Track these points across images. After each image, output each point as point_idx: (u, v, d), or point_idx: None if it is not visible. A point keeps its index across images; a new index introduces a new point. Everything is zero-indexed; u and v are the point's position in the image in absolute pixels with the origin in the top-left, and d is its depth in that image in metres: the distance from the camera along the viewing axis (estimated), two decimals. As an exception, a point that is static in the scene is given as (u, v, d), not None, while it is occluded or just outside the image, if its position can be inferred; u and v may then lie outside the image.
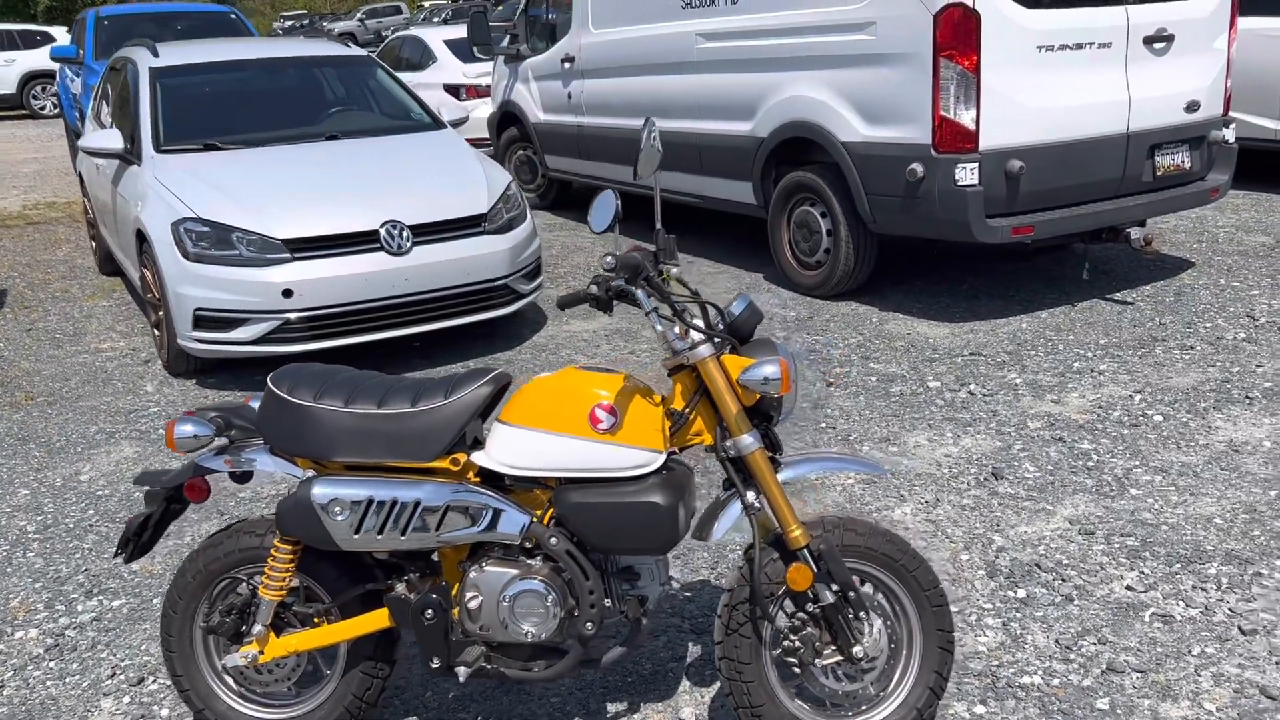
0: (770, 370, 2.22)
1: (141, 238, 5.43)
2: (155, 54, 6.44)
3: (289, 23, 36.32)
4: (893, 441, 4.23)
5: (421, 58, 12.07)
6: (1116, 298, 5.93)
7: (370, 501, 2.29)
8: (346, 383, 2.40)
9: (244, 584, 2.49)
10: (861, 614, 2.34)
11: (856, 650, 2.32)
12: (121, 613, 3.24)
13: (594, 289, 2.35)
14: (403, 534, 2.31)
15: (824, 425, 4.43)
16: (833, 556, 2.31)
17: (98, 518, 3.90)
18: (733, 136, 6.78)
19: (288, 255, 5.02)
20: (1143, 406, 4.41)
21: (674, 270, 2.32)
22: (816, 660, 2.34)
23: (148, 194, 5.45)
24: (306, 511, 2.30)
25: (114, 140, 5.86)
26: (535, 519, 2.34)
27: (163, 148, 5.78)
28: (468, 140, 11.06)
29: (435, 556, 2.49)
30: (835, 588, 2.31)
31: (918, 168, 5.45)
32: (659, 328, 2.31)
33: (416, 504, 2.30)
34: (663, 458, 2.32)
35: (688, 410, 2.36)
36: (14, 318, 6.79)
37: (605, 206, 2.43)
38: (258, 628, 2.42)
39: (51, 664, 2.99)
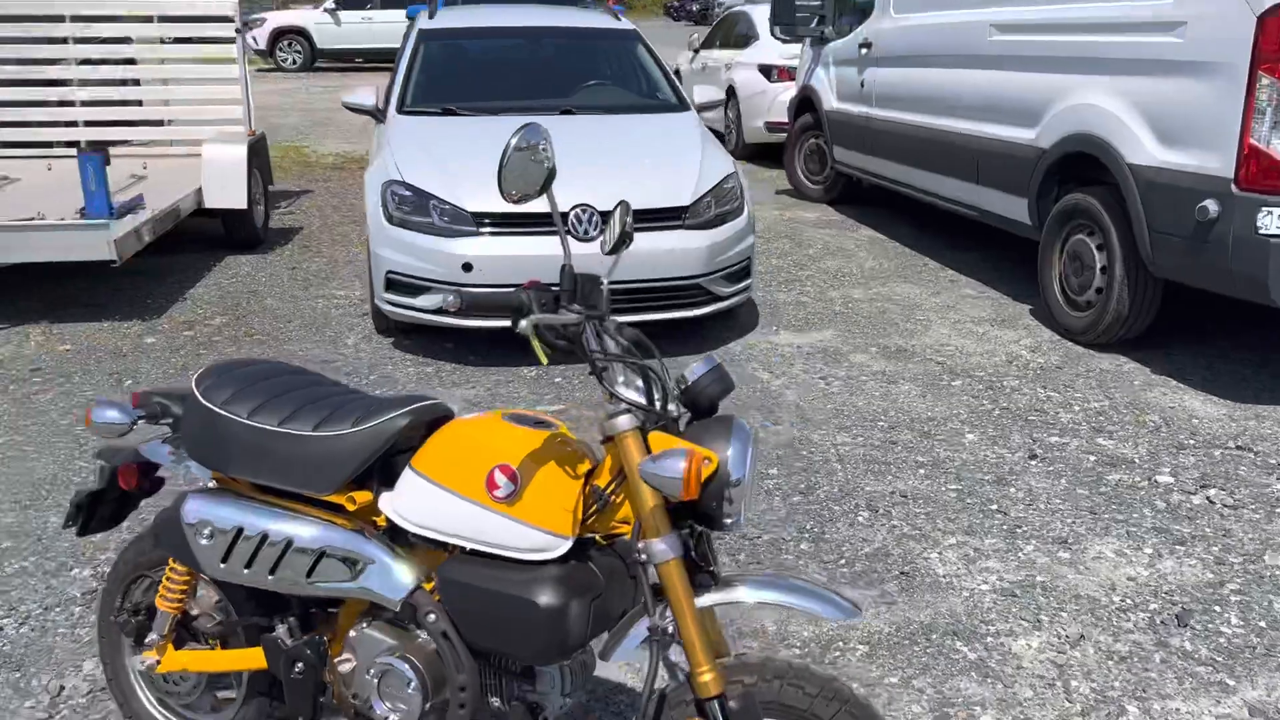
0: (673, 466, 1.68)
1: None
2: (431, 16, 6.60)
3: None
4: (1068, 545, 3.38)
5: (749, 34, 11.76)
6: None
7: (239, 531, 2.03)
8: (268, 389, 2.15)
9: (157, 585, 2.33)
10: (781, 802, 1.76)
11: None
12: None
13: (523, 325, 1.84)
14: (270, 573, 2.02)
15: (995, 508, 3.64)
16: (748, 716, 1.75)
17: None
18: (1013, 144, 5.87)
19: (474, 228, 4.92)
20: None
21: (572, 317, 1.81)
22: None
23: (377, 153, 5.57)
24: (175, 529, 2.08)
25: (368, 98, 6.06)
26: (429, 587, 1.97)
27: (405, 109, 5.89)
28: (771, 123, 10.72)
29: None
30: (747, 757, 1.75)
31: (1211, 205, 4.36)
32: (604, 387, 1.84)
33: (289, 542, 2.00)
34: (566, 544, 1.86)
35: (610, 491, 1.88)
36: (288, 255, 7.32)
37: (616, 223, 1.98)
38: (154, 636, 2.25)
39: (76, 610, 3.04)
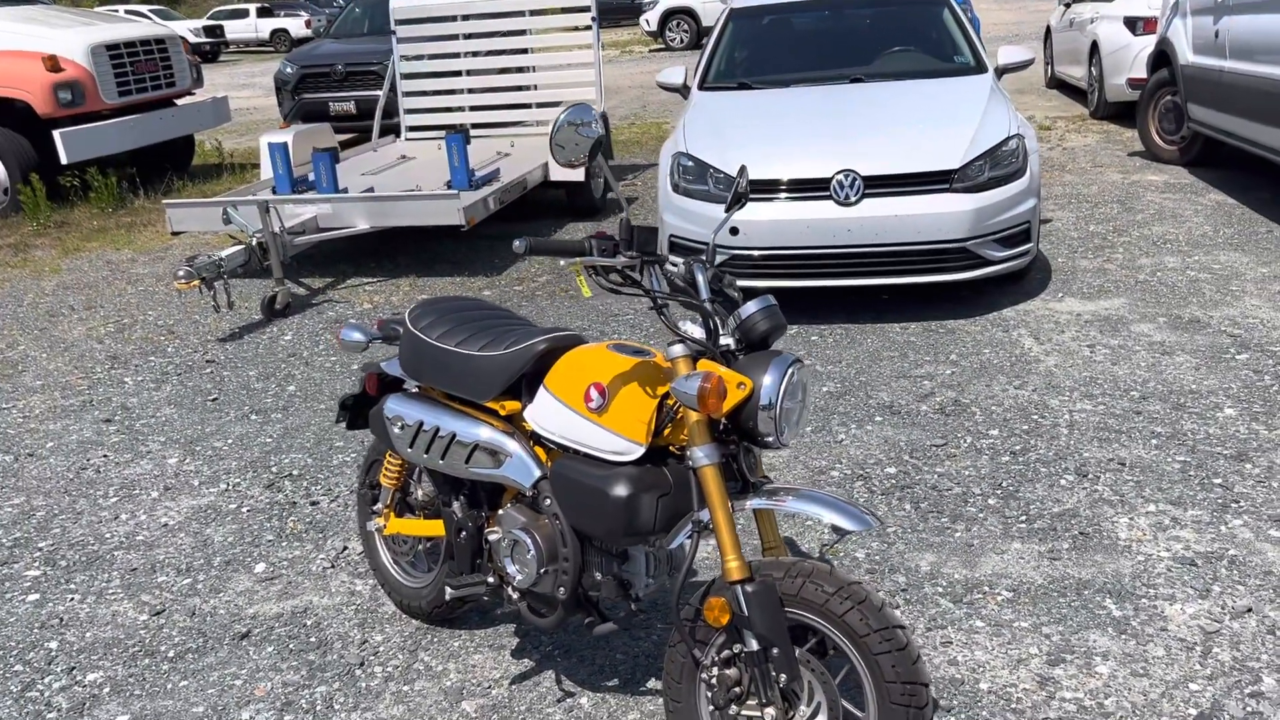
0: (691, 385, 2.02)
1: (667, 166, 6.14)
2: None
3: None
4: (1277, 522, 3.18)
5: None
6: None
7: (420, 424, 2.63)
8: (456, 319, 2.72)
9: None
10: (785, 676, 2.04)
11: (770, 713, 2.05)
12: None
13: (583, 268, 2.25)
14: (440, 458, 2.60)
15: (1218, 481, 3.46)
16: (763, 602, 2.05)
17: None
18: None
19: (745, 194, 5.29)
20: None
21: (622, 260, 2.17)
22: (735, 707, 2.12)
23: (677, 127, 6.12)
24: (380, 420, 2.72)
25: (676, 76, 6.62)
26: (546, 478, 2.45)
27: (706, 85, 6.38)
28: (1134, 80, 9.95)
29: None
30: (759, 637, 2.05)
31: None
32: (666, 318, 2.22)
33: (452, 435, 2.57)
34: (640, 450, 2.25)
35: (673, 408, 2.24)
36: (617, 220, 8.10)
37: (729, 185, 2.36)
38: (379, 506, 2.94)
39: (372, 495, 3.87)
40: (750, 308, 2.19)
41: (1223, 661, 2.60)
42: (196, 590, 3.32)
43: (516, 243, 2.16)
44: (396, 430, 2.69)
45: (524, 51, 8.90)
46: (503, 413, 2.56)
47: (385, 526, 2.95)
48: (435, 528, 2.80)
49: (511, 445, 2.49)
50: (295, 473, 4.11)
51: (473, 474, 2.57)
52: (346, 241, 7.60)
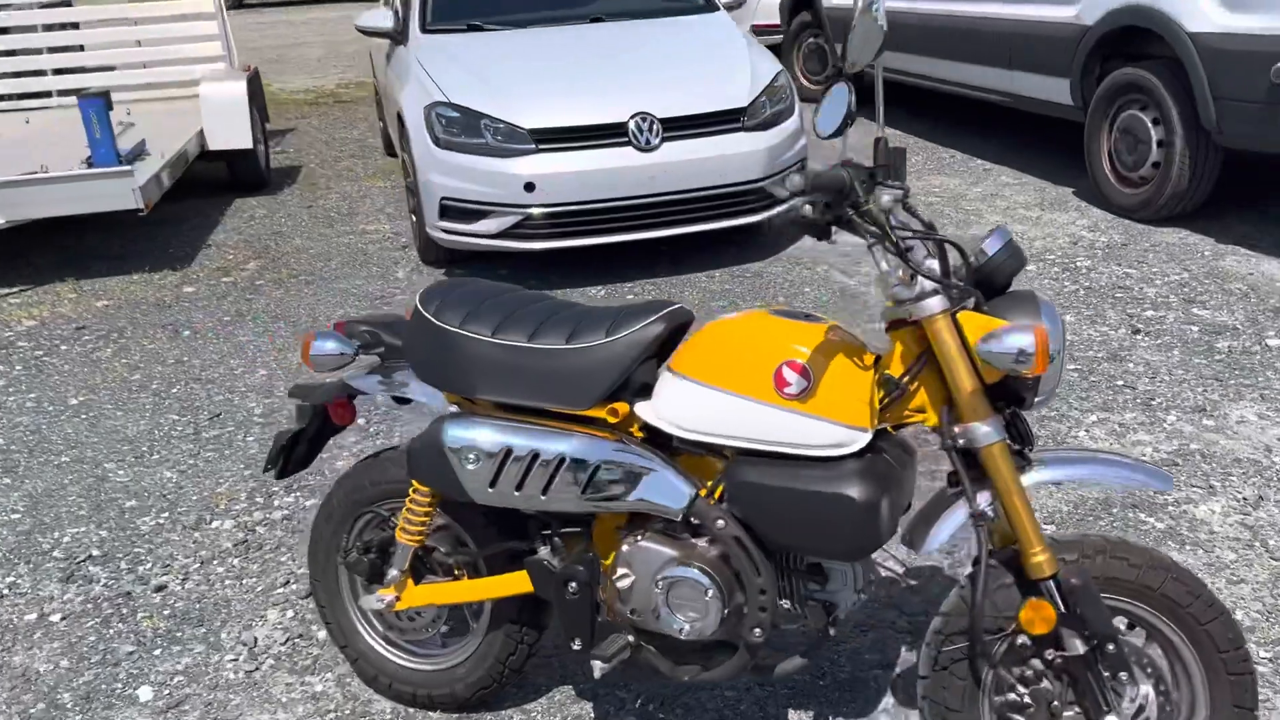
0: (1020, 340, 1.61)
1: (401, 121, 5.35)
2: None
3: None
4: (1209, 413, 3.40)
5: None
6: None
7: (508, 451, 1.93)
8: (502, 307, 2.04)
9: (386, 520, 2.24)
10: (1122, 674, 1.74)
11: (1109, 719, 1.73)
12: (311, 514, 3.14)
13: (807, 209, 1.81)
14: (543, 493, 1.94)
15: (1121, 383, 3.64)
16: (1089, 596, 1.71)
17: (319, 407, 3.87)
18: (1052, 24, 5.77)
19: (533, 146, 4.74)
20: None
21: (887, 198, 1.72)
22: (1052, 725, 1.77)
23: (408, 76, 5.34)
24: (437, 455, 1.97)
25: (385, 19, 5.79)
26: (704, 493, 1.90)
27: (428, 28, 5.64)
28: (758, 26, 10.48)
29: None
30: (1089, 636, 1.71)
31: (1289, 66, 4.32)
32: (882, 265, 1.75)
33: (562, 459, 1.91)
34: (867, 437, 1.79)
35: (906, 379, 1.80)
36: (299, 194, 7.05)
37: (837, 103, 1.86)
38: (394, 572, 2.16)
39: (235, 561, 2.93)
40: (993, 244, 1.80)
41: (1286, 551, 2.69)
42: (63, 750, 2.28)
43: (793, 179, 1.60)
44: (470, 466, 1.95)
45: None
46: (614, 420, 1.95)
47: (398, 599, 2.17)
48: (503, 586, 2.09)
49: (644, 460, 1.90)
50: (94, 551, 3.01)
51: (589, 505, 1.93)
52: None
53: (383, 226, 6.17)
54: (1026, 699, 1.77)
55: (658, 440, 1.96)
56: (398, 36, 5.79)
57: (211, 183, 7.32)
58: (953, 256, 1.78)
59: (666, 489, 1.90)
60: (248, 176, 7.03)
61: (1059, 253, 5.00)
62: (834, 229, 1.78)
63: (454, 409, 2.05)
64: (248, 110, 6.67)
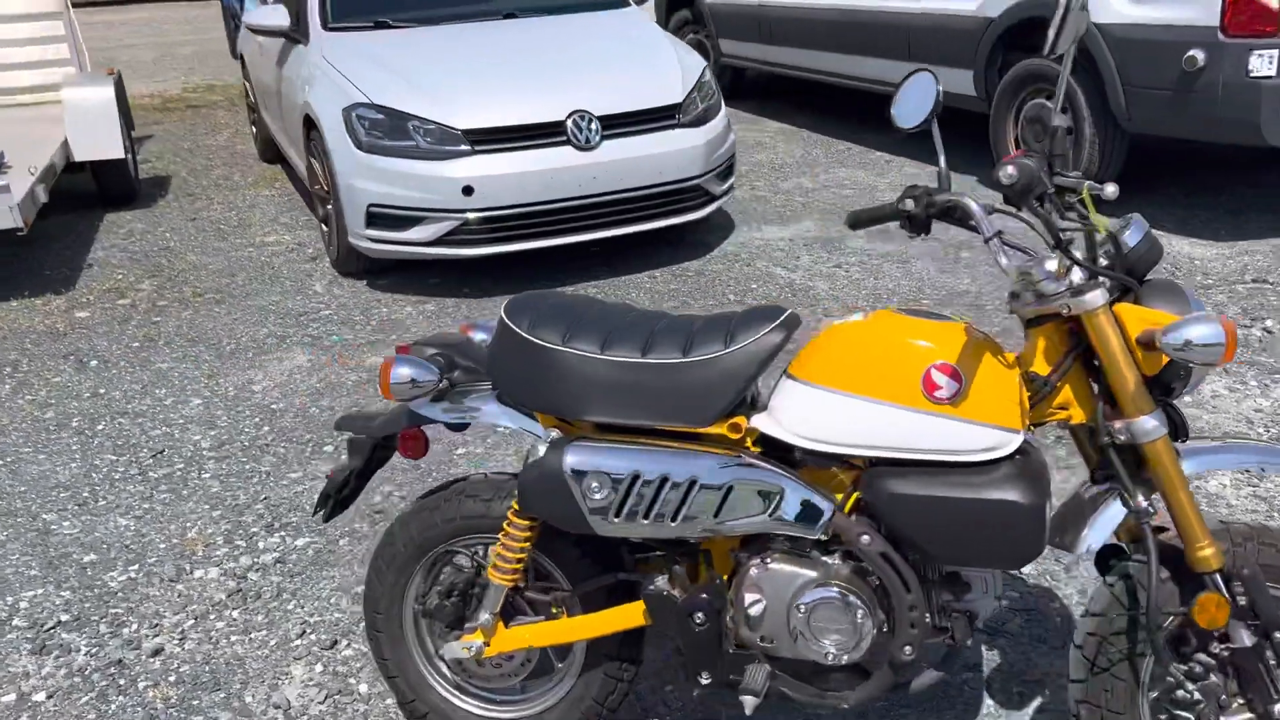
0: (1207, 332, 1.58)
1: (310, 124, 5.02)
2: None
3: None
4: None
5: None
6: None
7: (635, 478, 1.78)
8: (598, 320, 1.88)
9: (464, 558, 2.04)
10: (1288, 666, 1.74)
11: (1278, 709, 1.73)
12: (306, 554, 2.87)
13: (909, 204, 1.75)
14: (673, 519, 1.79)
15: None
16: (1258, 585, 1.70)
17: (273, 436, 3.56)
18: (953, 17, 5.93)
19: (468, 148, 4.52)
20: None
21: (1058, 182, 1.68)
22: (1217, 718, 1.76)
23: (316, 76, 5.01)
24: (556, 485, 1.80)
25: (279, 17, 5.42)
26: (838, 507, 1.80)
27: (331, 25, 5.31)
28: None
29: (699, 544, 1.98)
30: (1257, 627, 1.71)
31: (1198, 55, 4.55)
32: (1004, 261, 1.68)
33: (693, 482, 1.78)
34: (1020, 439, 1.73)
35: (1055, 377, 1.75)
36: (178, 206, 6.55)
37: (922, 93, 1.80)
38: (484, 616, 1.96)
39: (234, 613, 2.64)
40: (1133, 234, 1.76)
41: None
42: None
43: (1008, 170, 1.52)
44: (595, 496, 1.78)
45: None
46: (735, 436, 1.82)
47: (487, 645, 1.98)
48: (621, 619, 1.93)
49: (778, 478, 1.79)
50: (63, 616, 2.66)
51: (722, 529, 1.80)
52: None
53: (283, 237, 5.78)
54: (1196, 694, 1.75)
55: (773, 455, 1.85)
56: (294, 35, 5.43)
57: (76, 196, 6.72)
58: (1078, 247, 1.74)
59: (804, 507, 1.78)
60: (117, 188, 6.47)
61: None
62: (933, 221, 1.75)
63: (554, 433, 1.88)
64: (117, 117, 6.14)
